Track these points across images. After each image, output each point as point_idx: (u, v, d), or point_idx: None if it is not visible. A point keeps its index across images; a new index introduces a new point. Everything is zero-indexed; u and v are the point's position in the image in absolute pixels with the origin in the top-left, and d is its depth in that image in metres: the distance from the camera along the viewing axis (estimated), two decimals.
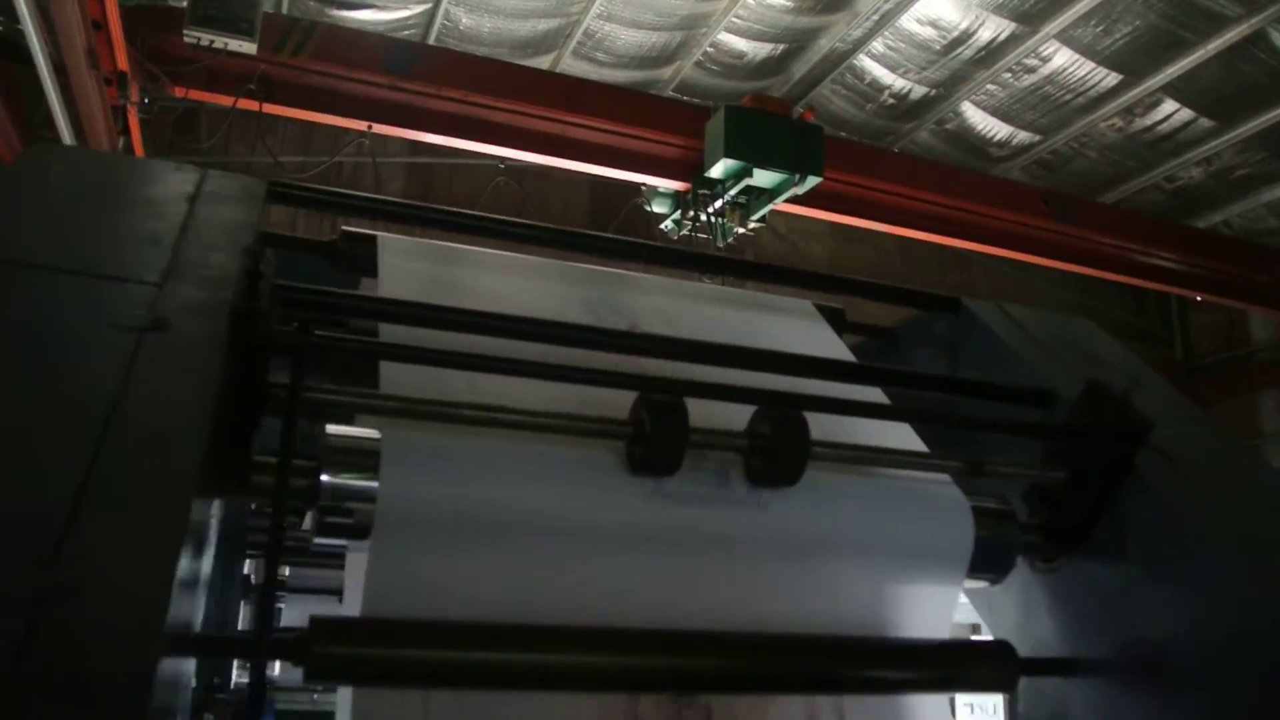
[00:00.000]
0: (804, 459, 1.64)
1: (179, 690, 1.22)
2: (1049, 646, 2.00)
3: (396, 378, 1.64)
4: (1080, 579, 1.95)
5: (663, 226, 9.29)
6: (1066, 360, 2.16)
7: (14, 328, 1.33)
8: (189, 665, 1.26)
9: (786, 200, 8.50)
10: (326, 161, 9.39)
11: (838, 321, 2.39)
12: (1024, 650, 2.06)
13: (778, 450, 1.64)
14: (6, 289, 1.39)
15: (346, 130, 8.68)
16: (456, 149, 8.88)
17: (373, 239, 2.07)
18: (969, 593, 2.22)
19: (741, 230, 8.76)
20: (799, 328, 2.28)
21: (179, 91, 7.66)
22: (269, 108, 7.92)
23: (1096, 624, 1.91)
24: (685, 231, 8.99)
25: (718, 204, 8.58)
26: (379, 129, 8.30)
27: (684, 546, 1.64)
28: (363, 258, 2.03)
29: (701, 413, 1.67)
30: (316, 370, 1.86)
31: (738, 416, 1.71)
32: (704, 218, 8.69)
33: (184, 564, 1.14)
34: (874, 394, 2.05)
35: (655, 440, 1.57)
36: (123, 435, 1.14)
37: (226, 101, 7.76)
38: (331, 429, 1.54)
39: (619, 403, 1.64)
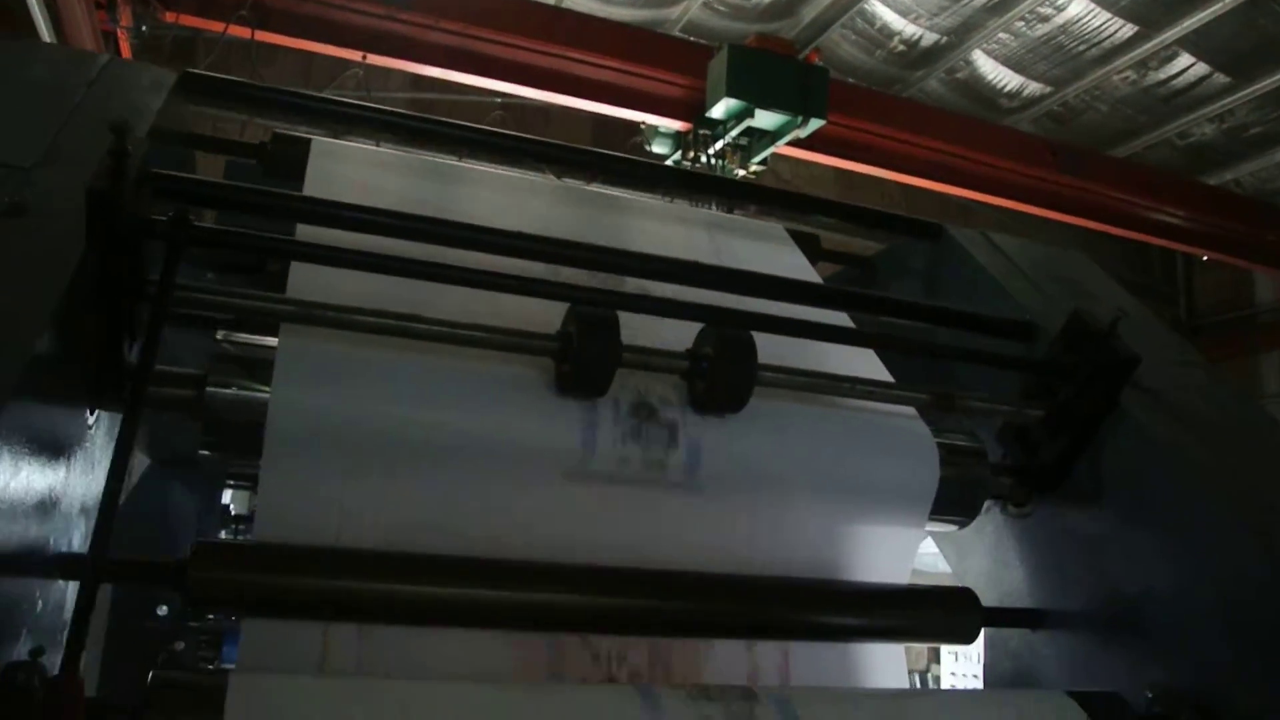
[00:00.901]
0: (749, 383, 1.49)
1: (19, 612, 1.08)
2: (1018, 597, 1.86)
3: (304, 284, 1.49)
4: (1054, 525, 1.81)
5: None
6: (1053, 293, 2.00)
7: None
8: (39, 586, 1.12)
9: (789, 143, 8.29)
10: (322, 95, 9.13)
11: (812, 248, 2.23)
12: (991, 600, 1.93)
13: (721, 373, 1.48)
14: None
15: (346, 64, 8.44)
16: (456, 84, 8.65)
17: (306, 142, 1.91)
18: (935, 536, 2.08)
19: (742, 173, 8.55)
20: (767, 251, 2.11)
21: (170, 17, 7.42)
22: (262, 35, 7.67)
23: (1069, 574, 1.77)
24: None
25: (718, 145, 8.37)
26: (377, 61, 8.06)
27: (615, 476, 1.49)
28: (296, 162, 1.86)
29: (646, 333, 1.52)
30: (229, 275, 1.71)
31: (686, 339, 1.55)
32: (704, 159, 8.48)
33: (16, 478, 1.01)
34: (839, 320, 1.90)
35: (583, 356, 1.41)
36: None
37: (218, 28, 7.52)
38: (223, 335, 1.39)
39: (551, 318, 1.48)
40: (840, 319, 1.91)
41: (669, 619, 1.51)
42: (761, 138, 8.32)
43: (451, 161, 2.02)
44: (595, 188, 2.09)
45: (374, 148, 1.98)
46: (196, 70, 1.82)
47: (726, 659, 1.57)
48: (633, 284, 1.68)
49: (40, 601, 1.13)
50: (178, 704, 1.06)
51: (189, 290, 1.31)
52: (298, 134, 1.94)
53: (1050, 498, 1.80)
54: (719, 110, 7.99)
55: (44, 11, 6.34)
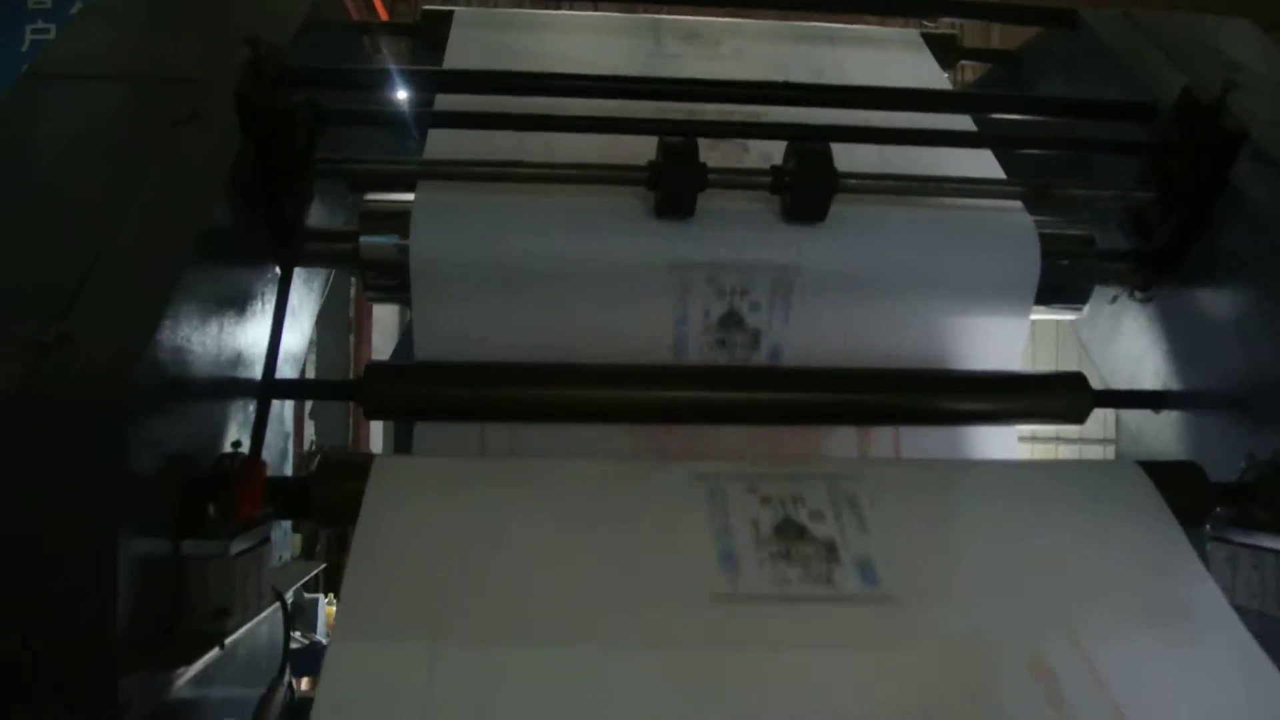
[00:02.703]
0: (829, 192, 1.61)
1: (225, 421, 1.44)
2: (1151, 384, 1.90)
3: (436, 147, 1.74)
4: (1177, 309, 1.82)
5: None
6: (1194, 68, 1.92)
7: (77, 130, 1.53)
8: (238, 404, 1.46)
9: None
10: None
11: (948, 49, 2.23)
12: (1116, 384, 1.98)
13: (801, 184, 1.61)
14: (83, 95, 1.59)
15: None
16: None
17: (449, 14, 2.14)
18: (1079, 333, 2.12)
19: None
20: (892, 59, 2.15)
21: None
22: None
23: (1190, 355, 1.79)
24: None
25: None
26: None
27: (718, 283, 1.67)
28: (442, 35, 2.10)
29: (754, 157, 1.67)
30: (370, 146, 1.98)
31: None
32: None
33: (198, 323, 1.32)
34: (961, 124, 1.94)
35: (668, 182, 1.59)
36: (132, 217, 1.31)
37: None
38: (370, 196, 1.67)
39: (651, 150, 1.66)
40: (964, 123, 1.95)
41: (778, 409, 1.70)
42: None
43: (582, 13, 2.19)
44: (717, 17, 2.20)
45: (513, 10, 2.18)
46: None
47: (839, 450, 1.74)
48: (737, 111, 1.81)
49: (241, 414, 1.48)
50: (336, 477, 1.39)
51: (334, 161, 1.59)
52: (441, 9, 2.17)
53: (1171, 282, 1.81)
54: None
55: None
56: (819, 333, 1.72)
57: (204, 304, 1.35)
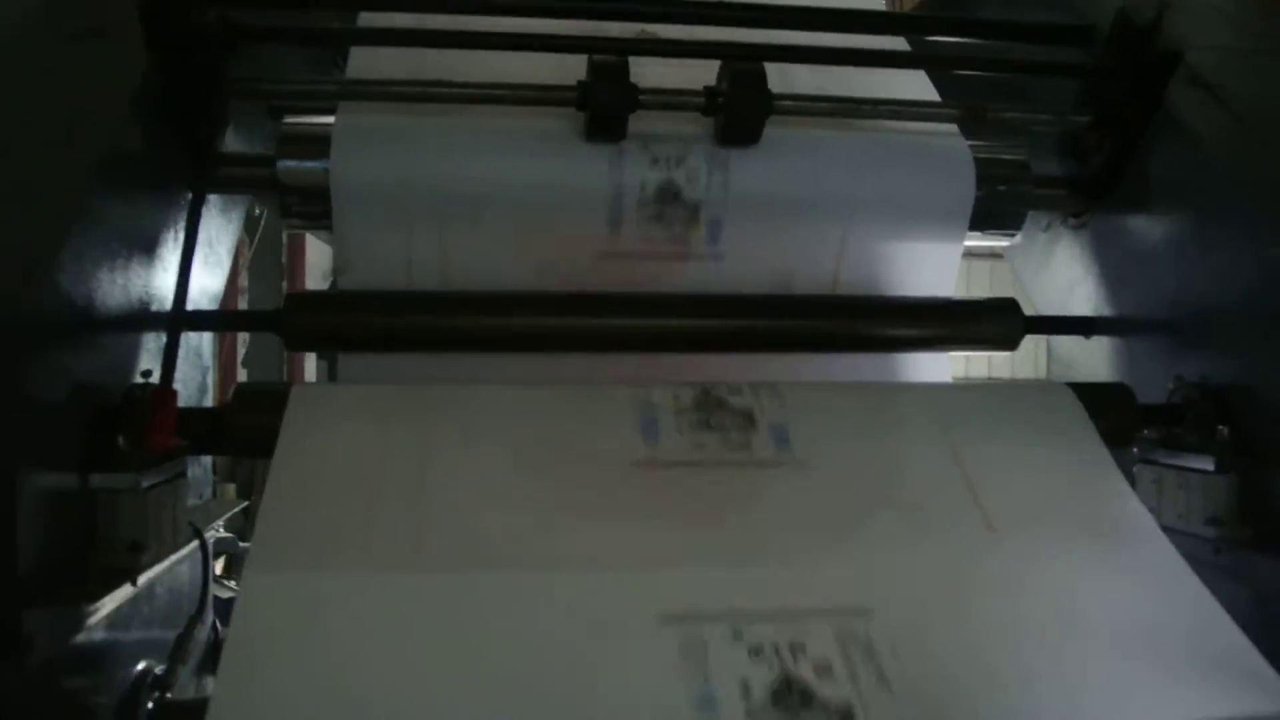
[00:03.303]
0: (763, 113, 1.57)
1: (135, 352, 1.38)
2: (1071, 309, 1.91)
3: (361, 67, 1.67)
4: (1109, 236, 1.83)
5: None
6: None
7: None
8: (147, 335, 1.40)
9: None
10: None
11: None
12: (1048, 308, 1.99)
13: (735, 105, 1.57)
14: None
15: None
16: None
17: None
18: (1011, 261, 2.12)
19: None
20: None
21: None
22: None
23: (1121, 282, 1.80)
24: None
25: None
26: None
27: (648, 211, 1.63)
28: None
29: (676, 78, 1.62)
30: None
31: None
32: None
33: (103, 251, 1.26)
34: (897, 46, 1.91)
35: (599, 102, 1.54)
36: (30, 138, 1.24)
37: None
38: (289, 119, 1.60)
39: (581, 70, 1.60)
40: (900, 45, 1.92)
41: (709, 336, 1.67)
42: None
43: None
44: None
45: None
46: None
47: (773, 375, 1.72)
48: (662, 31, 1.75)
49: (154, 346, 1.41)
50: (253, 407, 1.34)
51: (249, 81, 1.52)
52: None
53: (1104, 208, 1.81)
54: None
55: None
56: (756, 229, 1.69)
57: (110, 231, 1.28)
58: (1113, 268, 1.82)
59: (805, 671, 1.05)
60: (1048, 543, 1.25)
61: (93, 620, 1.19)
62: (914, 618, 1.13)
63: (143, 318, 1.38)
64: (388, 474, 1.21)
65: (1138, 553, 1.27)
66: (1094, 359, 1.86)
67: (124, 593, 1.26)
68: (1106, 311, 1.83)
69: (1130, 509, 1.33)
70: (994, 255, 8.53)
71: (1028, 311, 1.82)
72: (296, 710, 0.93)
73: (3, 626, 1.01)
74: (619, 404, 1.39)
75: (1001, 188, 1.74)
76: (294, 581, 1.07)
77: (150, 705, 1.31)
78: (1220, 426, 1.50)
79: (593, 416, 1.37)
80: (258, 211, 7.28)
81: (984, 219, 1.74)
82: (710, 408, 1.40)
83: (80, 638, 1.17)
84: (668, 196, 1.62)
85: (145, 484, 1.22)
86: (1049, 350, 2.11)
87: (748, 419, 1.38)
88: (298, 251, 8.05)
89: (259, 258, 7.44)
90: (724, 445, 1.35)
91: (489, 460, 1.27)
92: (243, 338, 7.24)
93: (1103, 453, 1.40)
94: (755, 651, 1.06)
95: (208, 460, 1.77)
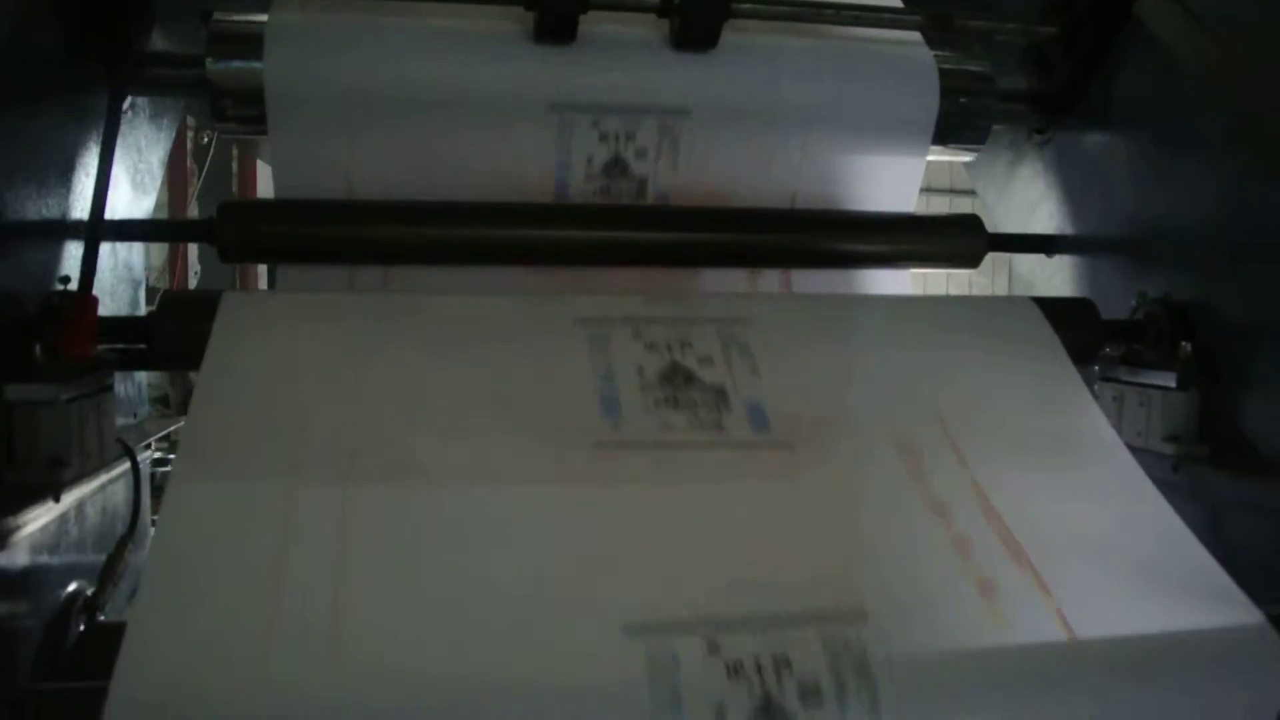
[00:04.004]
0: (720, 16, 1.50)
1: (55, 260, 1.30)
2: (1033, 228, 1.88)
3: None
4: (1070, 153, 1.79)
5: None
6: None
7: None
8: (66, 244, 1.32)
9: None
10: None
11: None
12: (1010, 227, 1.95)
13: (691, 6, 1.50)
14: None
15: None
16: None
17: None
18: (974, 178, 2.08)
19: None
20: None
21: None
22: None
23: (1083, 200, 1.77)
24: None
25: None
26: None
27: (601, 127, 1.56)
28: None
29: None
30: None
31: None
32: None
33: (14, 153, 1.18)
34: None
35: (549, 2, 1.46)
36: None
37: None
38: (218, 16, 1.50)
39: None
40: None
41: (666, 250, 1.62)
42: None
43: None
44: None
45: None
46: None
47: (729, 295, 1.67)
48: None
49: (73, 255, 1.33)
50: (181, 314, 1.27)
51: None
52: None
53: (1068, 124, 1.77)
54: None
55: None
56: (709, 177, 1.63)
57: (20, 133, 1.19)
58: (1075, 186, 1.79)
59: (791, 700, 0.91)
60: (1012, 458, 1.22)
61: (15, 539, 1.13)
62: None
63: (61, 226, 1.30)
64: (321, 383, 1.15)
65: (1101, 468, 1.25)
66: (1056, 278, 1.83)
67: (48, 511, 1.20)
68: (1069, 230, 1.80)
69: (1095, 424, 1.31)
70: (953, 191, 8.53)
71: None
72: (216, 624, 0.88)
73: None
74: (564, 319, 1.32)
75: (964, 100, 1.68)
76: (220, 492, 1.01)
77: (80, 627, 1.26)
78: (1183, 343, 1.48)
79: (546, 365, 1.27)
80: (205, 140, 7.10)
81: (947, 132, 1.69)
82: (679, 384, 1.29)
83: (1, 557, 1.11)
84: (615, 171, 1.57)
85: (65, 396, 1.16)
86: (1010, 272, 2.08)
87: (720, 396, 1.27)
88: (249, 180, 7.84)
89: (209, 189, 7.23)
90: (695, 425, 1.22)
91: (426, 371, 1.20)
92: (194, 269, 7.07)
93: (1068, 367, 1.37)
94: (734, 670, 0.93)
95: (141, 378, 1.70)
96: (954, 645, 0.98)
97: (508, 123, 1.53)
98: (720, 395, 1.27)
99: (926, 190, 1.79)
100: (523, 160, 1.56)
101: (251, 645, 0.87)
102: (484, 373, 1.23)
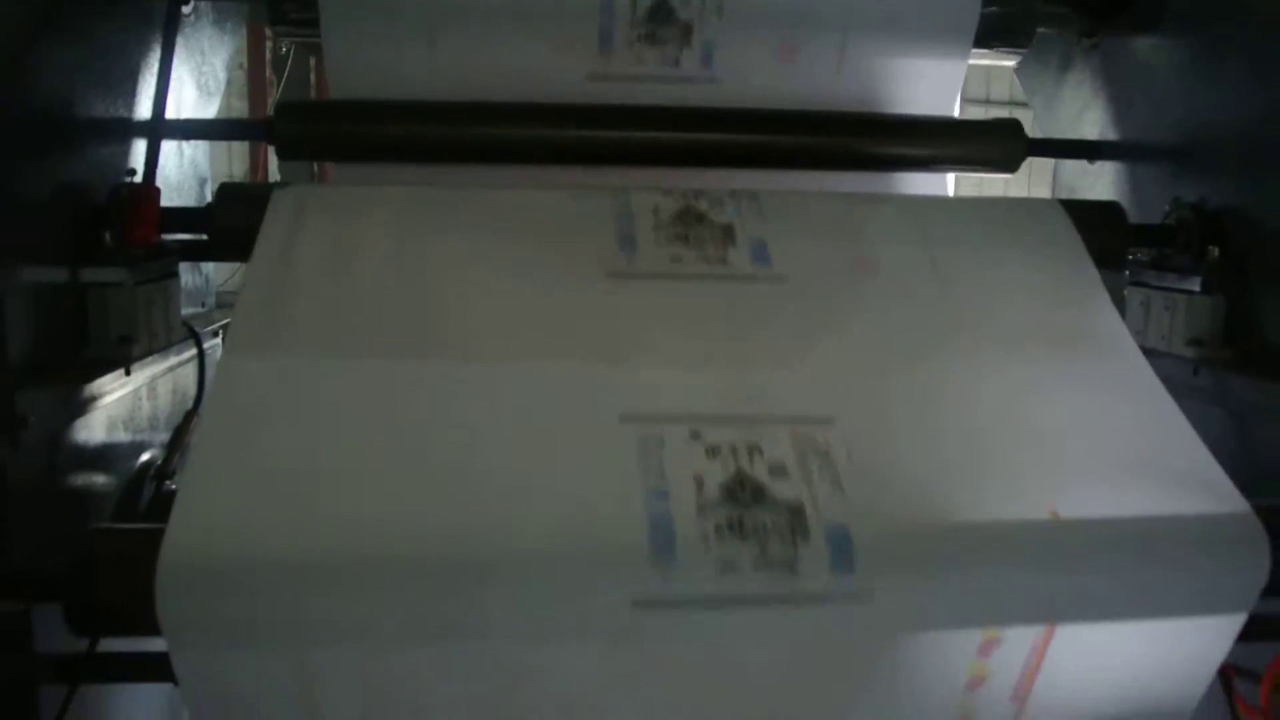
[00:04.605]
0: None
1: (119, 153, 1.40)
2: (1080, 133, 1.87)
3: None
4: (1117, 58, 1.77)
5: None
6: None
7: None
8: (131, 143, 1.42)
9: None
10: None
11: None
12: (1056, 134, 1.95)
13: None
14: None
15: None
16: None
17: None
18: (1025, 88, 2.07)
19: None
20: None
21: None
22: None
23: (1126, 105, 1.75)
24: None
25: None
26: None
27: (640, 30, 1.59)
28: None
29: None
30: None
31: None
32: None
33: (81, 54, 1.26)
34: None
35: None
36: None
37: None
38: None
39: None
40: None
41: (702, 150, 1.65)
42: None
43: None
44: None
45: None
46: None
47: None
48: None
49: (140, 150, 1.43)
50: (237, 205, 1.36)
51: None
52: None
53: (1116, 29, 1.75)
54: None
55: None
56: (755, 29, 1.64)
57: (90, 36, 1.28)
58: (1122, 91, 1.77)
59: (760, 472, 1.07)
60: (1016, 350, 1.26)
61: (91, 410, 1.25)
62: (873, 425, 1.15)
63: (127, 124, 1.39)
64: (363, 262, 1.24)
65: (1108, 363, 1.27)
66: (1098, 185, 1.83)
67: (121, 386, 1.31)
68: (1112, 136, 1.79)
69: (1107, 322, 1.33)
70: (988, 102, 8.28)
71: None
72: (256, 490, 0.98)
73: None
74: (600, 210, 1.39)
75: (1008, 2, 1.68)
76: (268, 359, 1.11)
77: (150, 493, 1.39)
78: (1211, 247, 1.49)
79: (573, 222, 1.37)
80: (284, 49, 7.22)
81: (991, 35, 1.68)
82: (690, 222, 1.40)
83: (80, 427, 1.23)
84: (660, 16, 1.59)
85: (133, 280, 1.26)
86: (1054, 184, 2.07)
87: (727, 233, 1.38)
88: (325, 90, 7.94)
89: (287, 97, 7.37)
90: (701, 259, 1.35)
91: (465, 256, 1.28)
92: (273, 167, 7.23)
93: (1087, 267, 1.38)
94: (712, 451, 1.09)
95: (209, 271, 1.81)
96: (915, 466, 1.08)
97: (550, 22, 1.57)
98: (727, 232, 1.38)
99: (964, 102, 1.79)
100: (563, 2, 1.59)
101: (297, 488, 0.98)
102: (517, 256, 1.31)
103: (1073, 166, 1.89)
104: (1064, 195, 1.96)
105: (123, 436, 1.37)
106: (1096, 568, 1.04)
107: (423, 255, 1.26)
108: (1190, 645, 1.11)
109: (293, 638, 0.94)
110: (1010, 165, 1.74)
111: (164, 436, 1.50)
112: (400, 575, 0.94)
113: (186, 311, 1.55)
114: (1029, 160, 1.74)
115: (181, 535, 0.92)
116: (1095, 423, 1.18)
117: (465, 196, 1.42)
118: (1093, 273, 1.38)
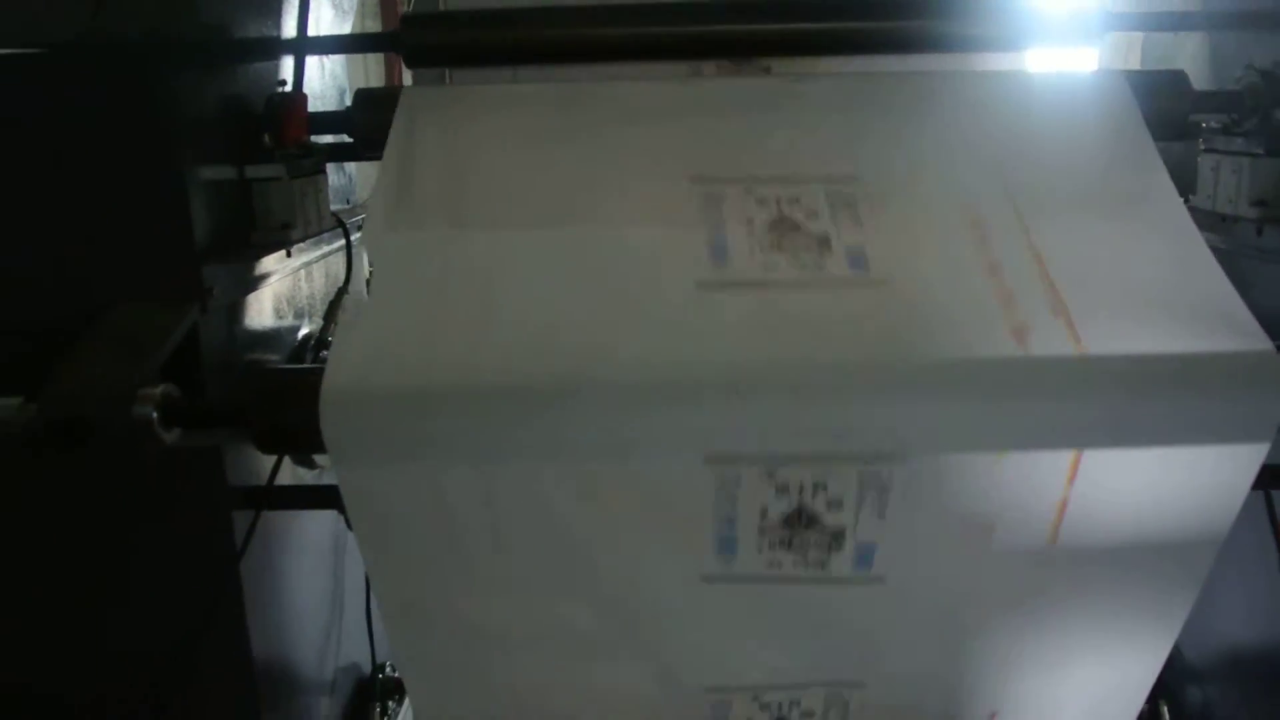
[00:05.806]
0: None
1: (270, 80, 1.62)
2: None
3: None
4: None
5: None
6: None
7: None
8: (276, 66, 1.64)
9: None
10: None
11: None
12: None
13: None
14: None
15: None
16: None
17: None
18: None
19: None
20: None
21: None
22: None
23: None
24: None
25: None
26: None
27: None
28: None
29: None
30: None
31: None
32: None
33: None
34: None
35: None
36: None
37: None
38: None
39: None
40: None
41: (792, 39, 1.76)
42: None
43: None
44: None
45: None
46: None
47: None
48: None
49: (289, 65, 1.65)
50: (371, 106, 1.56)
51: None
52: None
53: None
54: None
55: None
56: None
57: None
58: None
59: (819, 505, 1.20)
60: (1070, 219, 1.33)
61: (261, 286, 1.49)
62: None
63: (278, 43, 1.62)
64: (488, 151, 1.41)
65: (1154, 223, 1.34)
66: (1183, 58, 1.86)
67: (283, 267, 1.55)
68: (1198, 7, 1.82)
69: (1155, 180, 1.38)
70: None
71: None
72: (411, 319, 1.18)
73: (190, 276, 1.31)
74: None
75: None
76: (400, 235, 1.31)
77: (309, 360, 1.64)
78: (1277, 111, 1.53)
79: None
80: None
81: None
82: (784, 230, 1.36)
83: (252, 300, 1.48)
84: None
85: (289, 175, 1.50)
86: (1141, 56, 2.09)
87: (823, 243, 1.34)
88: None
89: None
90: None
91: (593, 142, 1.43)
92: (407, 80, 7.51)
93: (1142, 133, 1.42)
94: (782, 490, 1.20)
95: (351, 168, 2.05)
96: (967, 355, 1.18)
97: None
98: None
99: None
100: None
101: (435, 334, 1.18)
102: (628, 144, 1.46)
103: (1159, 40, 1.92)
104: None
105: (287, 312, 1.62)
106: (1120, 401, 1.14)
107: (548, 143, 1.41)
108: (1213, 475, 1.20)
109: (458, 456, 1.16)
110: (1091, 37, 1.78)
111: (319, 314, 1.75)
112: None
113: (335, 207, 1.79)
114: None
115: (342, 366, 1.13)
116: (1130, 272, 1.27)
117: (591, 93, 1.57)
118: (1146, 138, 1.44)
